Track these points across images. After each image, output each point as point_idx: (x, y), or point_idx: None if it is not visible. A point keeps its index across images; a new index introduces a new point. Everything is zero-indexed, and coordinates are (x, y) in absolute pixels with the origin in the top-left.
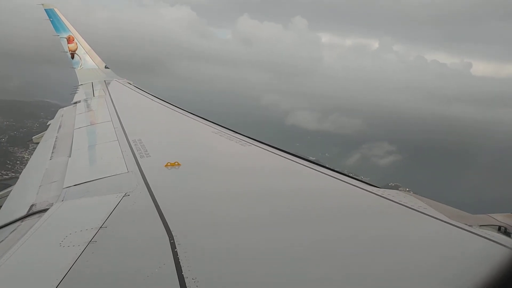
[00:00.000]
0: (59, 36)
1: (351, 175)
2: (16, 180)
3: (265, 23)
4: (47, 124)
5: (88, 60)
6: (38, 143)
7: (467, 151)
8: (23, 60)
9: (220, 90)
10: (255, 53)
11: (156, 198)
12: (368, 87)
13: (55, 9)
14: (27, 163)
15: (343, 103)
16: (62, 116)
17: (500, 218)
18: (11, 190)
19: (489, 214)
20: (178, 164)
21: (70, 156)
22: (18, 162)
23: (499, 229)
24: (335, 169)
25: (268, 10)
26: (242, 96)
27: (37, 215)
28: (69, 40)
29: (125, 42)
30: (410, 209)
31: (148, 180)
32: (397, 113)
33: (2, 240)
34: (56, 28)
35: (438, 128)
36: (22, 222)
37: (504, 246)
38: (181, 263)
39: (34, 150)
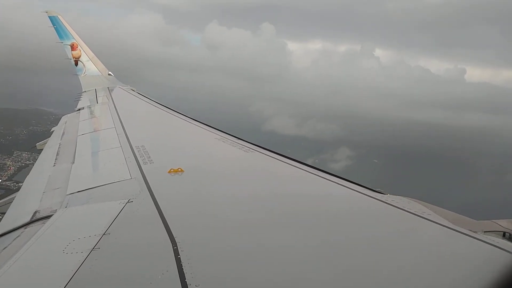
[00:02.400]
0: (62, 43)
1: (355, 181)
2: None
3: (234, 29)
4: (51, 130)
5: (91, 67)
6: (41, 149)
7: (434, 155)
8: (21, 68)
9: (191, 96)
10: (225, 59)
11: (159, 205)
12: (347, 93)
13: (59, 16)
14: (8, 170)
15: (320, 110)
16: (66, 122)
17: (505, 224)
18: (14, 197)
19: (493, 220)
20: (181, 171)
21: (73, 162)
22: None
23: (504, 235)
24: (339, 175)
25: (236, 16)
26: (214, 102)
27: (40, 221)
28: (73, 47)
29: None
30: (414, 215)
31: (151, 187)
32: (372, 119)
33: (6, 247)
34: (60, 35)
35: (411, 133)
36: (25, 228)
37: (509, 252)
38: (184, 270)
39: (17, 158)
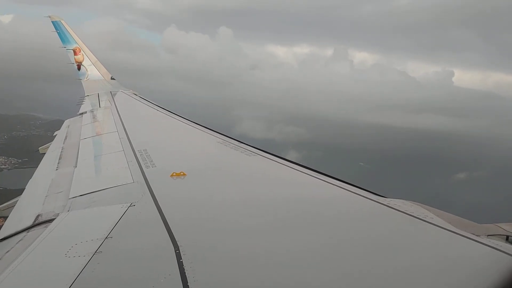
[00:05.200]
0: (65, 48)
1: (357, 184)
2: None
3: (191, 34)
4: (54, 134)
5: (94, 71)
6: (44, 153)
7: (400, 157)
8: (15, 74)
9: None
10: (184, 62)
11: (162, 208)
12: (317, 97)
13: (61, 21)
14: None
15: (289, 113)
16: (68, 127)
17: (508, 228)
18: (17, 200)
19: (496, 224)
20: (184, 174)
21: (76, 166)
22: None
23: (507, 238)
24: (341, 179)
25: (195, 21)
26: (179, 105)
27: (43, 225)
28: (76, 51)
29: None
30: (417, 219)
31: (153, 190)
32: (339, 122)
33: (8, 250)
34: (63, 40)
35: (376, 137)
36: (28, 232)
37: None
38: (186, 274)
39: None
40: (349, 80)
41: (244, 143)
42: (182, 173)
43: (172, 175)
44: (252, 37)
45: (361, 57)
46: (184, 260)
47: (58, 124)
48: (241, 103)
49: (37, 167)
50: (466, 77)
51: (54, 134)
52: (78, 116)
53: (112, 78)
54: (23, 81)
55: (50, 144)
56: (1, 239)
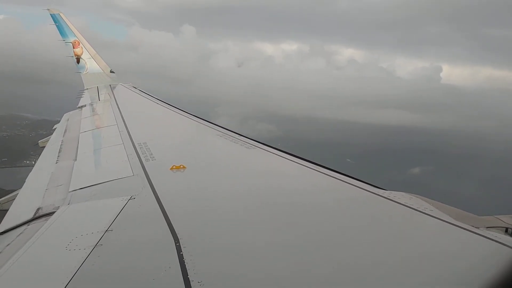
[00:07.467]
0: (64, 41)
1: (356, 177)
2: None
3: (154, 32)
4: (53, 128)
5: (93, 64)
6: (44, 147)
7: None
8: (9, 75)
9: None
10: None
11: (162, 201)
12: (290, 95)
13: (60, 14)
14: None
15: (260, 110)
16: (68, 120)
17: (507, 220)
18: (17, 194)
19: (496, 216)
20: (183, 167)
21: (76, 159)
22: None
23: (506, 230)
24: (340, 171)
25: (157, 20)
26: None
27: (43, 218)
28: (75, 45)
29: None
30: (416, 211)
31: (153, 183)
32: (311, 120)
33: (9, 244)
34: (62, 33)
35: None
36: (28, 225)
37: None
38: (186, 266)
39: None
40: (326, 78)
41: (244, 136)
42: (182, 166)
43: (172, 168)
44: (239, 34)
45: (348, 53)
46: (184, 253)
47: (43, 125)
48: (215, 100)
49: (15, 167)
50: (456, 72)
51: (53, 128)
52: (78, 110)
53: (111, 72)
54: (20, 82)
55: (50, 138)
56: (2, 232)
